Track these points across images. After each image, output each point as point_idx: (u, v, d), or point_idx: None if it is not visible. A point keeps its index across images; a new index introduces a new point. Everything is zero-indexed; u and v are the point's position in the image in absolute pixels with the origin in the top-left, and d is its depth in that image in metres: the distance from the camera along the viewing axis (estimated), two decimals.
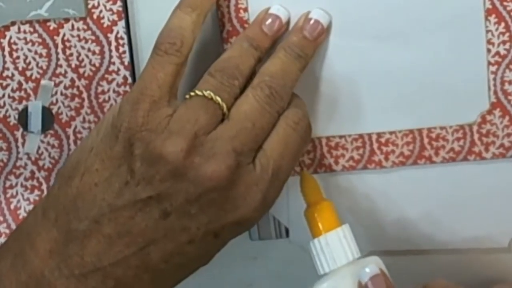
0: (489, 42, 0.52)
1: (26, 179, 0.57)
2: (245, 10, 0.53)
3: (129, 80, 0.55)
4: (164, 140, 0.47)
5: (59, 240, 0.48)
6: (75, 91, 0.55)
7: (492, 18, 0.52)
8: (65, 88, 0.55)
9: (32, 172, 0.57)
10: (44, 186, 0.57)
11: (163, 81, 0.49)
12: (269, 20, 0.52)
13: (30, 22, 0.54)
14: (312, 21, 0.52)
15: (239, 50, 0.51)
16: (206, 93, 0.49)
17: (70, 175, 0.49)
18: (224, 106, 0.49)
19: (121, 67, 0.55)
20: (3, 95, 0.55)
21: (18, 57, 0.55)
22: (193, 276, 0.51)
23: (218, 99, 0.49)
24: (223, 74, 0.49)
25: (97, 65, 0.55)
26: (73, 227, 0.48)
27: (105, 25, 0.54)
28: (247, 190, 0.48)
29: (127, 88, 0.55)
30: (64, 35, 0.54)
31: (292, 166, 0.51)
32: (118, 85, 0.55)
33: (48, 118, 0.56)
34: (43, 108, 0.55)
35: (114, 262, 0.48)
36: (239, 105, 0.49)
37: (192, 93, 0.49)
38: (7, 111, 0.56)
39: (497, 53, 0.53)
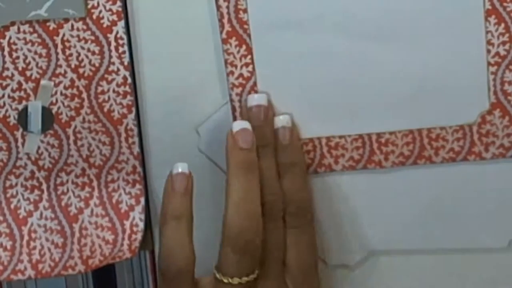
0: (488, 42, 0.52)
1: (26, 179, 0.57)
2: (245, 11, 0.53)
3: (129, 80, 0.55)
4: None
5: None
6: (74, 91, 0.55)
7: (492, 19, 0.52)
8: (65, 88, 0.55)
9: (32, 172, 0.57)
10: (44, 186, 0.57)
11: None
12: (244, 135, 0.52)
13: (29, 22, 0.54)
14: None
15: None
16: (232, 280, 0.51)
17: None
18: (236, 280, 0.51)
19: (121, 67, 0.55)
20: (3, 95, 0.55)
21: (17, 57, 0.55)
22: None
23: (236, 280, 0.51)
24: (245, 254, 0.51)
25: (96, 65, 0.55)
26: None
27: (104, 25, 0.54)
28: None
29: (127, 88, 0.55)
30: (63, 35, 0.54)
31: (315, 256, 0.54)
32: (118, 85, 0.55)
33: (48, 118, 0.56)
34: (43, 108, 0.55)
35: None
36: None
37: (217, 276, 0.51)
38: (7, 111, 0.56)
39: (497, 53, 0.53)
